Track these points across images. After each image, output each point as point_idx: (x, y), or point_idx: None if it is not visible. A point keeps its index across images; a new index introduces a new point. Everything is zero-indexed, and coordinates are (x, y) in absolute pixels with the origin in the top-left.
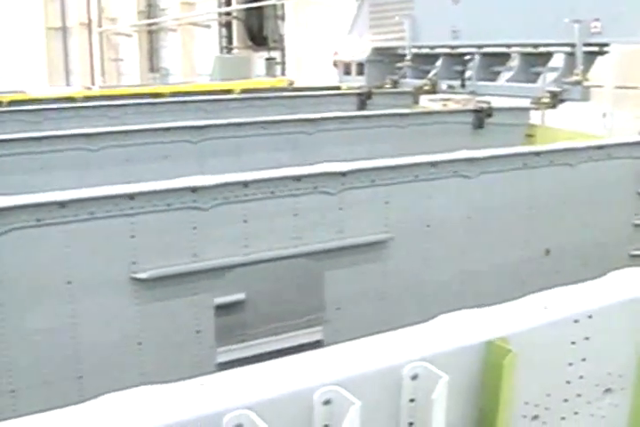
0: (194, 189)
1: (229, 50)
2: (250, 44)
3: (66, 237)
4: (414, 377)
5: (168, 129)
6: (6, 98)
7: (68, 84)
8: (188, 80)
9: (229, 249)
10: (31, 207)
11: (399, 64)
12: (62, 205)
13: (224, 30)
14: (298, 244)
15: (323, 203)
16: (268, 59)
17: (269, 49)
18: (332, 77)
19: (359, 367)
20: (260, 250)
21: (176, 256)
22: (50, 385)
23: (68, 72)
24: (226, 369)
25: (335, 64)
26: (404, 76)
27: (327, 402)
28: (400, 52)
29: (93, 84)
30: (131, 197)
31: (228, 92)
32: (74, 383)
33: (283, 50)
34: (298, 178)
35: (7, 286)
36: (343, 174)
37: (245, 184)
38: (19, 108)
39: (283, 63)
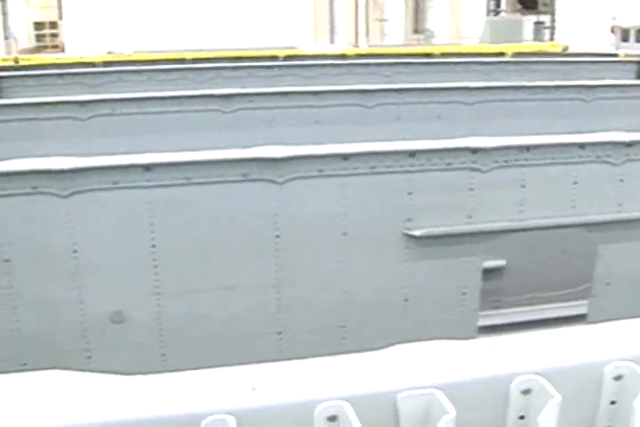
0: (474, 151)
1: (497, 13)
2: (518, 7)
3: (345, 189)
4: None
5: (442, 89)
6: (282, 53)
7: (331, 42)
8: (452, 42)
9: (504, 213)
10: (313, 158)
11: None
12: (345, 157)
13: None
14: (574, 213)
15: (604, 173)
16: (536, 23)
17: (538, 13)
18: (605, 44)
19: None
20: (534, 217)
21: (450, 216)
22: (314, 331)
23: (332, 31)
24: (486, 334)
25: (612, 30)
26: None
27: (618, 377)
28: None
29: (357, 43)
30: (411, 154)
31: (499, 55)
32: (337, 331)
33: (553, 14)
34: (582, 145)
35: (284, 232)
36: (628, 145)
37: (527, 148)
38: (294, 62)
39: (552, 28)
